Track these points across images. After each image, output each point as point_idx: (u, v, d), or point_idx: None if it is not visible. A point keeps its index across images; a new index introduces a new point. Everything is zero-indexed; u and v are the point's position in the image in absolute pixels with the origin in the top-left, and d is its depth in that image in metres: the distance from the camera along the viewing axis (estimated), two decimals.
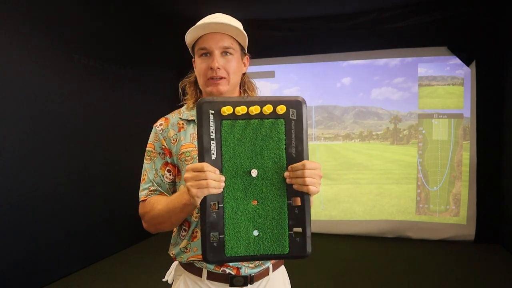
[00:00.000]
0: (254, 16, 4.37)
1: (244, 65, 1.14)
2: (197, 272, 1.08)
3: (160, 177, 1.10)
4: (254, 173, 0.86)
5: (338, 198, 4.48)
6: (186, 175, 0.83)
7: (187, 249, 1.09)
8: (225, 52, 1.05)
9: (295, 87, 4.67)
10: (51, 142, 3.01)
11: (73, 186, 3.22)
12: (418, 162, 4.26)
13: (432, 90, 4.22)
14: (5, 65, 2.63)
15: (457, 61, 4.05)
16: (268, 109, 0.84)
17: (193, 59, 1.13)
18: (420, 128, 4.26)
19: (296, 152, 0.87)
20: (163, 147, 1.10)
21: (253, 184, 0.87)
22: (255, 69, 4.55)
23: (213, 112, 0.84)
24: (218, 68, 1.03)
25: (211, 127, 0.84)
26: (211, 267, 1.06)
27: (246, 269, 1.06)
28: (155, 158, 1.11)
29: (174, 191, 1.13)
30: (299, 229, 0.87)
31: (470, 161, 4.03)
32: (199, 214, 0.89)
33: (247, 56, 1.15)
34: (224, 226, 0.85)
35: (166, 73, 4.53)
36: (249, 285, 1.07)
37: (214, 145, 0.85)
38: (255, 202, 0.87)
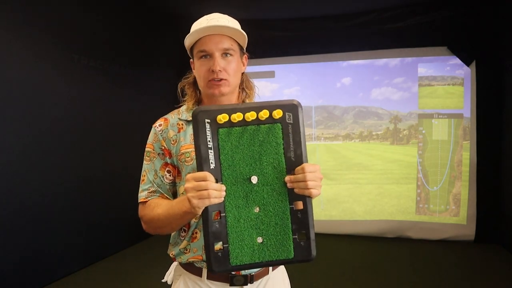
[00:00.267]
0: (254, 16, 4.36)
1: (243, 64, 1.14)
2: (197, 272, 1.08)
3: (160, 178, 1.09)
4: (254, 179, 0.86)
5: (338, 198, 4.47)
6: (187, 185, 0.83)
7: (187, 250, 1.08)
8: (225, 53, 1.04)
9: (295, 87, 4.67)
10: (51, 142, 3.01)
11: (72, 186, 3.22)
12: (418, 162, 4.25)
13: (432, 90, 4.21)
14: (5, 65, 2.63)
15: (457, 61, 4.04)
16: (264, 114, 0.84)
17: (191, 60, 1.12)
18: (420, 128, 4.25)
19: (295, 155, 0.86)
20: (163, 147, 1.10)
21: (254, 190, 0.86)
22: (255, 69, 4.55)
23: (209, 121, 0.84)
24: (219, 70, 1.02)
25: (207, 136, 0.84)
26: None
27: None
28: (155, 158, 1.10)
29: (174, 192, 1.12)
30: (303, 233, 0.87)
31: (470, 161, 4.03)
32: (201, 224, 0.89)
33: (245, 55, 1.14)
34: (227, 235, 0.85)
35: (166, 73, 4.52)
36: (249, 284, 1.07)
37: (212, 154, 0.84)
38: (257, 209, 0.87)
